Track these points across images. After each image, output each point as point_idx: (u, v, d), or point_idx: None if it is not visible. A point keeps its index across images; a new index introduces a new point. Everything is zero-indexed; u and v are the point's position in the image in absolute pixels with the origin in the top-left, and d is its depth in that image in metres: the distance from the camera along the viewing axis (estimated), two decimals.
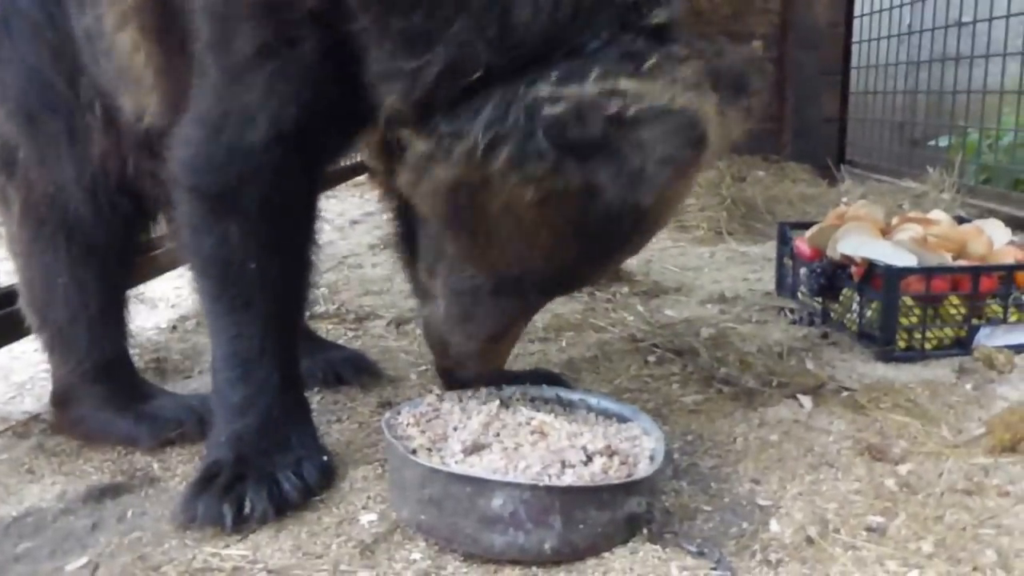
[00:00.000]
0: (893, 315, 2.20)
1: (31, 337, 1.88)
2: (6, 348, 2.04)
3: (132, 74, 1.52)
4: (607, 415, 1.60)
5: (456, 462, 1.38)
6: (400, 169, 1.31)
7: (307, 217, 1.55)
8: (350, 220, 4.37)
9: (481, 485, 1.29)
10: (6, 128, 1.71)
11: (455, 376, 1.67)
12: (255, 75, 1.33)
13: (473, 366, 1.54)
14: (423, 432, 1.46)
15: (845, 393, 1.96)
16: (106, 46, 1.52)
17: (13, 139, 1.71)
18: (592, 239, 1.26)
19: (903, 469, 1.58)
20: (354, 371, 2.06)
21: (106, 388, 1.78)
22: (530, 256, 1.28)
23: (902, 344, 2.22)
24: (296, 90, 1.34)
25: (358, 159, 1.72)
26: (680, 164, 1.16)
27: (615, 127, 1.11)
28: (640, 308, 2.66)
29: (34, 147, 1.69)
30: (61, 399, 1.82)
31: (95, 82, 1.64)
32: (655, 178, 1.14)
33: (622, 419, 1.57)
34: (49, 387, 1.87)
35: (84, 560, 1.34)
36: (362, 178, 4.61)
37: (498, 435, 1.44)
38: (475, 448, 1.41)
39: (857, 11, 5.84)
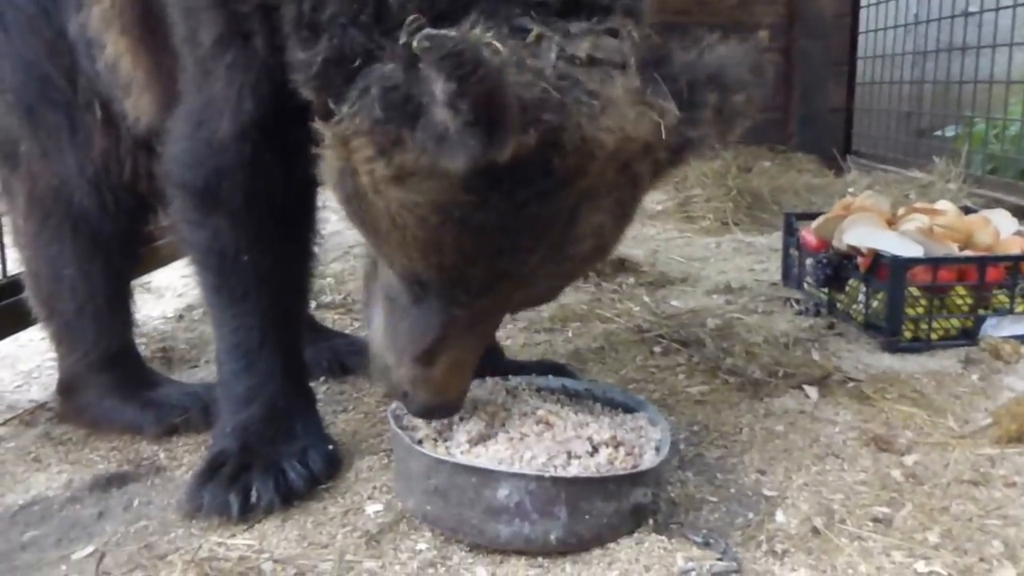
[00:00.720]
0: (899, 305, 2.19)
1: (38, 325, 1.88)
2: (12, 337, 2.05)
3: (124, 76, 1.53)
4: (613, 406, 1.60)
5: (462, 452, 1.38)
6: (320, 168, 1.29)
7: (299, 206, 1.54)
8: None
9: (487, 476, 1.29)
10: (8, 121, 1.72)
11: (409, 408, 1.42)
12: (216, 66, 1.33)
13: (414, 394, 1.35)
14: (428, 422, 1.46)
15: (851, 384, 1.96)
16: (98, 49, 1.53)
17: (15, 132, 1.71)
18: (460, 228, 1.12)
19: (909, 460, 1.58)
20: (360, 361, 2.05)
21: (112, 377, 1.79)
22: (409, 250, 1.18)
23: (908, 335, 2.22)
24: (253, 83, 1.32)
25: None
26: (460, 103, 0.97)
27: (412, 69, 1.01)
28: (646, 299, 2.66)
29: (35, 140, 1.70)
30: (67, 388, 1.83)
31: (93, 84, 1.65)
32: (456, 135, 0.99)
33: (628, 410, 1.57)
34: (56, 376, 1.88)
35: (90, 549, 1.35)
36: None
37: (504, 426, 1.44)
38: (481, 438, 1.41)
39: (864, 1, 5.80)
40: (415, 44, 0.97)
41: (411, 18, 1.05)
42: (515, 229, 1.13)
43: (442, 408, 1.39)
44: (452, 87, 0.96)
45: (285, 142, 1.39)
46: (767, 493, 1.47)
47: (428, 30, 0.97)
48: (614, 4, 1.15)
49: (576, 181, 1.10)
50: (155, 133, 1.54)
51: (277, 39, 1.26)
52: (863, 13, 5.80)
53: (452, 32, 0.98)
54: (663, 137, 1.12)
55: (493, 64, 0.97)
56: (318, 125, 1.21)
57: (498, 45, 1.01)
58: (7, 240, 1.96)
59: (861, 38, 5.81)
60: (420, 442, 1.40)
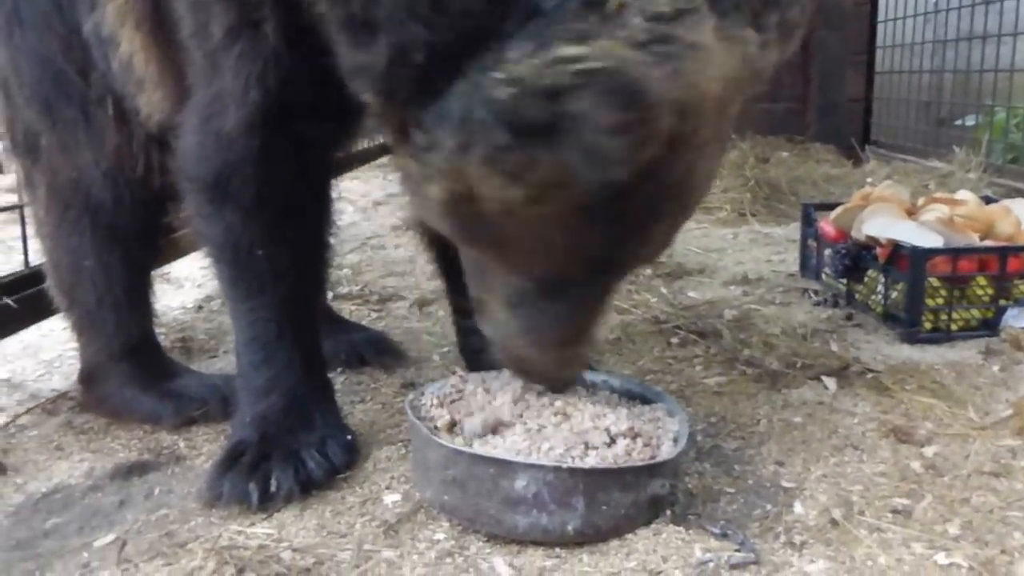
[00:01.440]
0: (919, 296, 2.17)
1: (60, 315, 1.90)
2: (35, 326, 2.07)
3: (137, 73, 1.52)
4: (630, 397, 1.59)
5: (479, 443, 1.38)
6: (406, 194, 1.27)
7: (313, 199, 1.53)
8: (373, 201, 4.37)
9: (504, 466, 1.29)
10: (27, 114, 1.73)
11: (554, 388, 1.47)
12: (226, 58, 1.31)
13: (559, 373, 1.43)
14: (446, 413, 1.46)
15: (870, 375, 1.94)
16: (112, 46, 1.52)
17: (36, 125, 1.73)
18: (604, 222, 1.14)
19: (929, 451, 1.57)
20: (377, 352, 2.07)
21: (132, 367, 1.80)
22: (555, 255, 1.18)
23: (928, 325, 2.20)
24: (261, 73, 1.29)
25: (380, 140, 1.69)
26: (631, 130, 0.98)
27: (555, 102, 0.98)
28: (663, 290, 2.65)
29: (54, 134, 1.71)
30: (88, 377, 1.85)
31: (105, 80, 1.65)
32: (615, 151, 1.00)
33: (645, 401, 1.57)
34: (77, 365, 1.90)
35: (112, 536, 1.36)
36: (385, 159, 4.61)
37: (521, 416, 1.44)
38: (498, 429, 1.41)
39: None
40: (566, 78, 0.96)
41: (529, 29, 0.99)
42: (652, 201, 1.14)
43: (582, 374, 1.52)
44: (624, 119, 0.97)
45: (296, 134, 1.38)
46: (785, 484, 1.46)
47: (578, 64, 0.96)
48: None
49: (694, 138, 1.10)
50: (168, 128, 1.54)
51: (291, 27, 1.25)
52: (882, 2, 5.74)
53: (603, 64, 0.96)
54: (747, 68, 1.11)
55: (649, 86, 0.97)
56: (403, 157, 1.18)
57: (646, 59, 0.98)
58: (29, 231, 1.98)
59: (880, 27, 5.75)
60: (438, 432, 1.41)
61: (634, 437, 1.38)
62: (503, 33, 1.01)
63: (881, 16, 5.75)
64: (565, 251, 1.17)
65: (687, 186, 1.18)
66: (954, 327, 2.20)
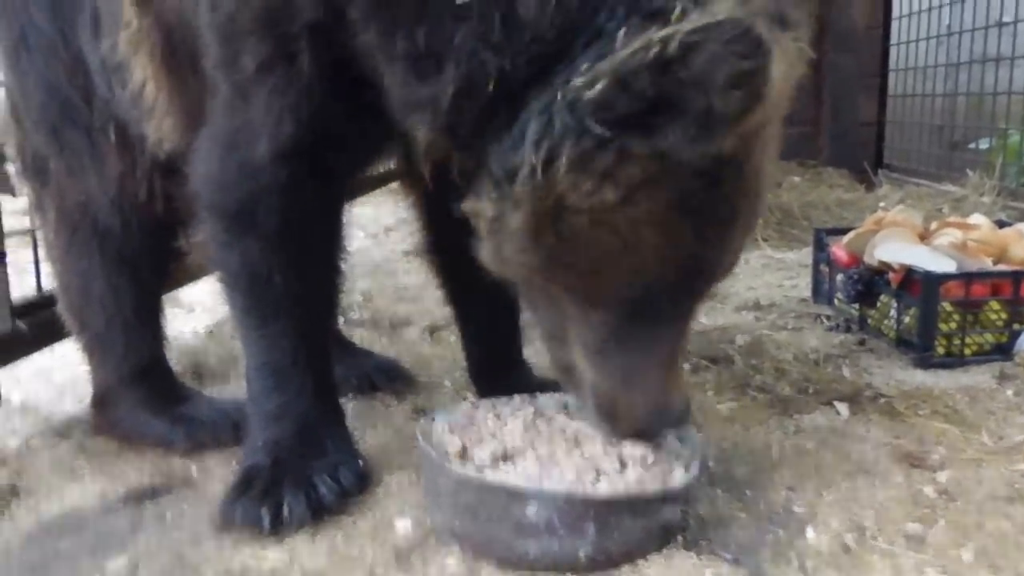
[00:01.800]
0: (932, 321, 2.16)
1: (72, 338, 1.92)
2: (48, 349, 2.08)
3: (147, 100, 1.53)
4: None
5: (490, 470, 1.38)
6: (479, 248, 1.25)
7: (331, 228, 1.54)
8: (384, 227, 4.39)
9: (515, 493, 1.28)
10: (36, 138, 1.75)
11: (664, 422, 1.38)
12: (258, 91, 1.31)
13: (668, 403, 1.33)
14: (458, 439, 1.46)
15: (882, 400, 1.93)
16: (123, 75, 1.53)
17: (43, 149, 1.75)
18: (700, 215, 1.13)
19: (942, 476, 1.56)
20: (388, 378, 2.07)
21: (143, 391, 1.81)
22: (646, 262, 1.16)
23: (941, 350, 2.18)
24: (294, 105, 1.30)
25: (391, 166, 1.70)
26: (746, 83, 0.98)
27: (662, 74, 0.99)
28: None
29: (61, 158, 1.73)
30: (100, 401, 1.85)
31: (109, 107, 1.67)
32: (725, 110, 1.00)
33: None
34: (90, 389, 1.91)
35: (124, 560, 1.36)
36: (396, 185, 4.62)
37: (532, 443, 1.43)
38: (509, 456, 1.41)
39: (895, 13, 5.74)
40: (675, 44, 0.97)
41: (599, 16, 1.03)
42: (735, 194, 1.14)
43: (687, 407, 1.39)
44: (746, 66, 0.97)
45: (321, 164, 1.39)
46: (797, 510, 1.45)
47: (695, 21, 0.98)
48: None
49: (763, 130, 1.13)
50: (178, 155, 1.54)
51: (326, 60, 1.26)
52: (894, 25, 5.75)
53: (721, 17, 0.98)
54: (796, 69, 1.14)
55: (769, 39, 0.99)
56: (470, 205, 1.18)
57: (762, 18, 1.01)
58: (41, 255, 2.00)
59: (892, 50, 5.75)
60: (449, 459, 1.41)
61: (645, 463, 1.38)
62: (570, 57, 1.05)
63: (893, 39, 5.76)
64: (656, 256, 1.15)
65: (757, 188, 1.19)
66: (967, 352, 2.19)
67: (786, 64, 1.08)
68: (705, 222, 1.14)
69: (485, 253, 1.24)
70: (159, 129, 1.55)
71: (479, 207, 1.19)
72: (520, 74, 1.07)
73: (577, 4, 1.05)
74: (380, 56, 1.19)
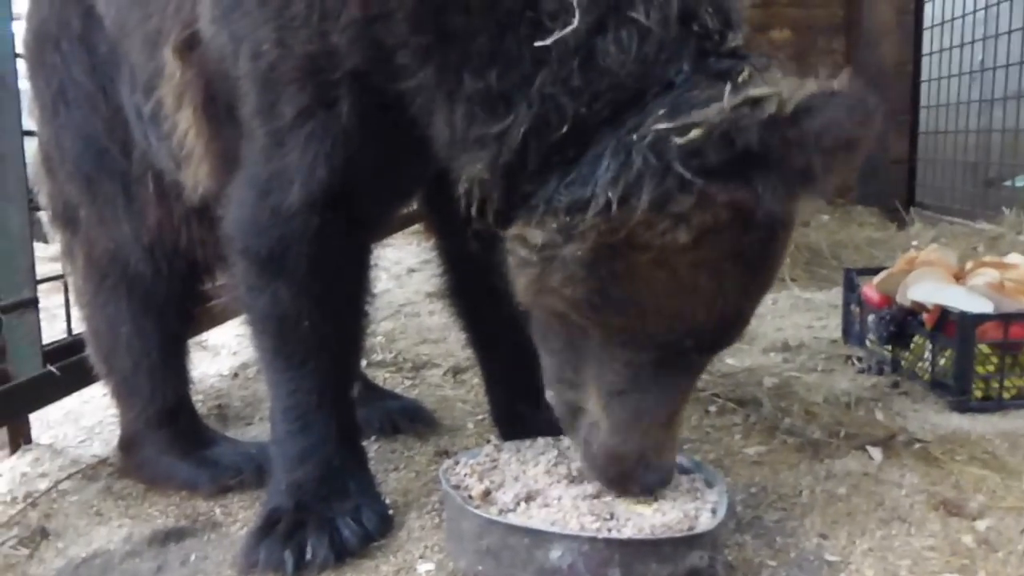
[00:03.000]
0: (968, 363, 2.11)
1: (100, 382, 1.94)
2: (77, 393, 2.12)
3: (187, 148, 1.56)
4: None
5: (514, 513, 1.36)
6: (514, 277, 1.26)
7: (359, 272, 1.56)
8: (407, 268, 4.43)
9: (539, 537, 1.27)
10: (68, 188, 1.81)
11: (650, 481, 1.37)
12: (295, 138, 1.34)
13: (659, 459, 1.33)
14: (481, 482, 1.45)
15: (917, 445, 1.88)
16: (168, 127, 1.57)
17: (74, 199, 1.81)
18: (749, 267, 1.18)
19: (981, 525, 1.51)
20: (411, 420, 2.07)
21: (169, 433, 1.83)
22: (692, 308, 1.18)
23: (978, 393, 2.13)
24: (329, 152, 1.33)
25: (414, 207, 1.73)
26: (856, 148, 1.05)
27: (771, 131, 1.03)
28: None
29: (93, 208, 1.78)
30: (127, 443, 1.88)
31: (147, 157, 1.72)
32: (819, 170, 1.04)
33: (683, 471, 1.54)
34: (117, 431, 1.94)
35: None
36: (418, 226, 4.67)
37: (556, 485, 1.42)
38: (533, 498, 1.39)
39: (925, 49, 5.73)
40: (791, 107, 1.01)
41: (682, 67, 1.11)
42: (776, 252, 1.21)
43: (674, 467, 1.40)
44: (861, 132, 1.03)
45: (353, 209, 1.41)
46: (829, 558, 1.41)
47: (809, 92, 1.03)
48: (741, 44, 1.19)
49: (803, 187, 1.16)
50: (212, 200, 1.57)
51: (365, 105, 1.29)
52: (925, 61, 5.73)
53: (833, 89, 1.05)
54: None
55: (870, 103, 1.04)
56: (519, 231, 1.20)
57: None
58: (71, 300, 2.04)
59: (923, 87, 5.73)
60: (472, 502, 1.39)
61: (672, 507, 1.35)
62: (642, 103, 1.11)
63: (924, 76, 5.73)
64: (705, 302, 1.17)
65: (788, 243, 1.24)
66: (1006, 395, 2.13)
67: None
68: (754, 275, 1.20)
69: (523, 281, 1.24)
70: (196, 176, 1.58)
71: (528, 233, 1.20)
72: (594, 118, 1.13)
73: (652, 57, 1.11)
74: (437, 96, 1.22)
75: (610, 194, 1.09)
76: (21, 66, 1.90)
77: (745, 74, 1.09)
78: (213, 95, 1.49)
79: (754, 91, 1.05)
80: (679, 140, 1.06)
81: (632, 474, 1.34)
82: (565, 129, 1.12)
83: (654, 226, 1.09)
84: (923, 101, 5.74)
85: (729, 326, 1.26)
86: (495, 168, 1.19)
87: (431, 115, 1.24)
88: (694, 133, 1.06)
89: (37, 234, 2.04)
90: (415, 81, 1.22)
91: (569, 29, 1.10)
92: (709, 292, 1.16)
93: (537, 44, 1.12)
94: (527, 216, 1.20)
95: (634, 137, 1.09)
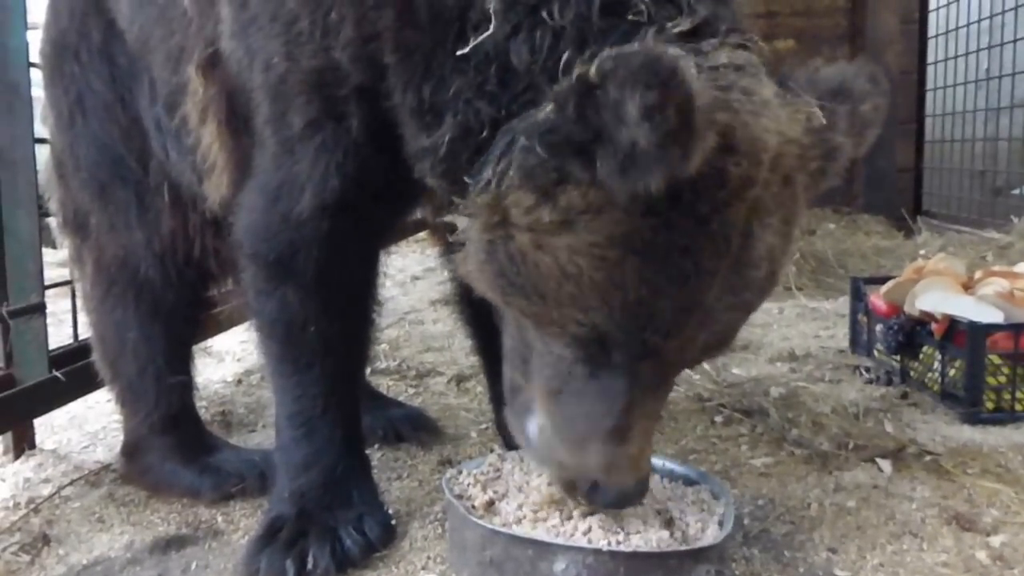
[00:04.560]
0: (979, 374, 2.09)
1: (104, 388, 1.94)
2: (81, 398, 2.11)
3: (210, 162, 1.59)
4: (673, 477, 1.55)
5: (517, 523, 1.35)
6: (456, 258, 1.27)
7: (366, 278, 1.57)
8: (411, 276, 4.43)
9: (543, 548, 1.26)
10: (80, 195, 1.83)
11: (601, 500, 1.29)
12: (304, 148, 1.37)
13: (609, 480, 1.25)
14: (484, 492, 1.44)
15: (928, 457, 1.86)
16: (191, 142, 1.60)
17: (86, 206, 1.82)
18: (642, 258, 1.08)
19: (995, 540, 1.48)
20: (414, 428, 2.07)
21: (173, 439, 1.83)
22: (587, 297, 1.11)
23: (990, 405, 2.11)
24: (340, 163, 1.36)
25: (418, 215, 1.73)
26: (657, 116, 0.92)
27: (585, 98, 0.98)
28: (706, 366, 2.59)
29: (105, 215, 1.79)
30: (131, 449, 1.87)
31: (163, 168, 1.74)
32: (648, 147, 0.95)
33: (689, 482, 1.52)
34: (121, 437, 1.93)
35: None
36: (423, 234, 4.69)
37: (560, 496, 1.40)
38: (537, 509, 1.37)
39: (930, 58, 5.72)
40: (594, 69, 0.96)
41: (566, 57, 1.07)
42: (697, 249, 1.08)
43: (638, 492, 1.28)
44: (652, 98, 0.92)
45: (361, 217, 1.43)
46: (839, 573, 1.40)
47: (610, 50, 0.98)
48: (733, 24, 1.15)
49: (748, 191, 1.08)
50: (227, 208, 1.60)
51: (373, 120, 1.31)
52: (930, 70, 5.72)
53: (634, 47, 0.99)
54: (812, 138, 1.12)
55: (688, 71, 0.93)
56: (449, 216, 1.22)
57: (678, 50, 0.99)
58: (78, 305, 2.05)
59: (929, 95, 5.72)
60: (475, 512, 1.38)
61: (679, 520, 1.34)
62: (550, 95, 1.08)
63: (930, 84, 5.72)
64: (596, 291, 1.10)
65: (743, 251, 1.11)
66: (1019, 407, 2.11)
67: (774, 123, 1.06)
68: (654, 268, 1.08)
69: (459, 266, 1.25)
70: (217, 186, 1.60)
71: (457, 220, 1.22)
72: (513, 119, 1.12)
73: (569, 55, 1.09)
74: (401, 113, 1.25)
75: (490, 173, 1.10)
76: (34, 75, 1.93)
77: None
78: (234, 109, 1.51)
79: (611, 52, 0.98)
80: (539, 117, 1.06)
81: (579, 486, 1.28)
82: (486, 133, 1.13)
83: (521, 203, 1.08)
84: (929, 110, 5.73)
85: (648, 325, 1.13)
86: (435, 175, 1.22)
87: (403, 130, 1.27)
88: (548, 109, 1.05)
89: (46, 239, 2.05)
90: (394, 100, 1.26)
91: (484, 36, 1.12)
92: (598, 279, 1.09)
93: (458, 54, 1.14)
94: (457, 206, 1.21)
95: (527, 116, 1.09)
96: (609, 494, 1.26)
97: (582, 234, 1.07)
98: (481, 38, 1.12)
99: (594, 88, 0.97)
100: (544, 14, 1.10)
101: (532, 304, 1.17)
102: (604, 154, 0.99)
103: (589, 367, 1.20)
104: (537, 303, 1.16)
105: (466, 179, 1.15)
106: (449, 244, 1.30)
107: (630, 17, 1.10)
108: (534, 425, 1.31)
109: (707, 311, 1.14)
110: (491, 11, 1.11)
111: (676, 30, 1.09)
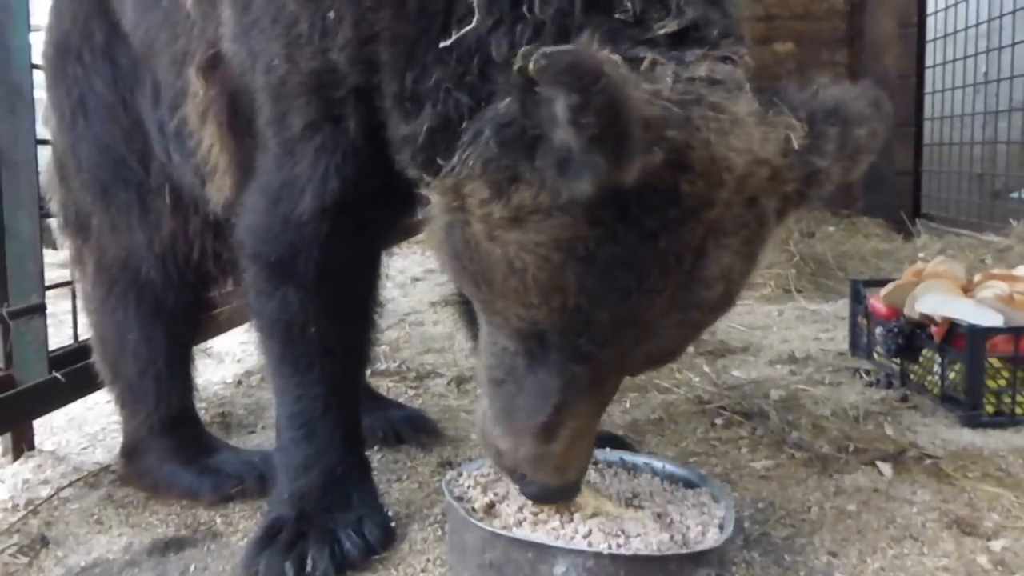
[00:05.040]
0: (979, 377, 2.09)
1: (104, 389, 1.94)
2: (81, 399, 2.11)
3: (211, 164, 1.59)
4: (673, 480, 1.54)
5: (517, 526, 1.34)
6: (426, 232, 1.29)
7: (366, 279, 1.58)
8: (412, 277, 4.43)
9: (543, 551, 1.25)
10: (81, 196, 1.83)
11: (525, 491, 1.34)
12: (304, 149, 1.38)
13: (533, 475, 1.28)
14: (484, 494, 1.43)
15: (928, 461, 1.85)
16: (192, 144, 1.60)
17: (87, 207, 1.82)
18: (584, 265, 1.07)
19: (996, 545, 1.48)
20: (414, 430, 2.06)
21: (172, 441, 1.83)
22: (530, 296, 1.11)
23: (990, 408, 2.11)
24: (339, 164, 1.36)
25: (419, 217, 1.74)
26: (581, 119, 0.91)
27: (524, 93, 0.98)
28: (706, 368, 2.60)
29: (106, 215, 1.80)
30: (130, 451, 1.87)
31: (165, 170, 1.74)
32: (580, 151, 0.94)
33: (689, 485, 1.52)
34: (120, 438, 1.92)
35: None
36: (423, 235, 4.66)
37: None
38: (537, 511, 1.37)
39: (929, 62, 5.73)
40: (531, 65, 0.95)
41: (524, 49, 1.05)
42: (642, 265, 1.06)
43: (563, 491, 1.31)
44: (575, 100, 0.90)
45: (361, 218, 1.43)
46: None
47: (545, 48, 0.96)
48: (722, 35, 1.12)
49: (704, 211, 1.05)
50: (229, 210, 1.60)
51: (371, 121, 1.30)
52: (929, 73, 5.73)
53: (567, 46, 0.97)
54: (789, 160, 1.08)
55: (614, 75, 0.91)
56: (423, 189, 1.21)
57: (617, 58, 0.97)
58: (79, 306, 2.05)
59: (928, 99, 5.72)
60: (475, 514, 1.37)
61: (679, 523, 1.33)
62: None
63: (928, 88, 5.73)
64: (539, 291, 1.10)
65: (695, 270, 1.10)
66: (1019, 411, 2.10)
67: (743, 143, 1.03)
68: (596, 278, 1.07)
69: (427, 239, 1.27)
70: (219, 189, 1.60)
71: (427, 194, 1.22)
72: (487, 106, 1.11)
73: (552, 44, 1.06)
74: (387, 102, 1.25)
75: (456, 159, 1.10)
76: (37, 76, 1.93)
77: (648, 61, 1.03)
78: (236, 111, 1.52)
79: (546, 49, 0.95)
80: (501, 107, 1.05)
81: (510, 472, 1.32)
82: (465, 124, 1.12)
83: (477, 195, 1.09)
84: (927, 113, 5.74)
85: (585, 333, 1.13)
86: (415, 164, 1.21)
87: (387, 118, 1.27)
88: (503, 104, 1.05)
89: (46, 240, 2.05)
90: (386, 90, 1.25)
91: (467, 29, 1.12)
92: (541, 280, 1.09)
93: (441, 45, 1.14)
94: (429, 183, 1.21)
95: (499, 105, 1.08)
96: (532, 488, 1.30)
97: (530, 233, 1.07)
98: (464, 31, 1.12)
99: (534, 84, 0.96)
100: (525, 9, 1.09)
101: (480, 291, 1.19)
102: (543, 152, 0.99)
103: (528, 361, 1.22)
104: (485, 291, 1.17)
105: (439, 161, 1.14)
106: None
107: (617, 16, 1.08)
108: (483, 401, 1.33)
109: (650, 326, 1.13)
110: (475, 5, 1.12)
111: (662, 31, 1.07)
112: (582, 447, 1.29)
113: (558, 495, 1.32)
